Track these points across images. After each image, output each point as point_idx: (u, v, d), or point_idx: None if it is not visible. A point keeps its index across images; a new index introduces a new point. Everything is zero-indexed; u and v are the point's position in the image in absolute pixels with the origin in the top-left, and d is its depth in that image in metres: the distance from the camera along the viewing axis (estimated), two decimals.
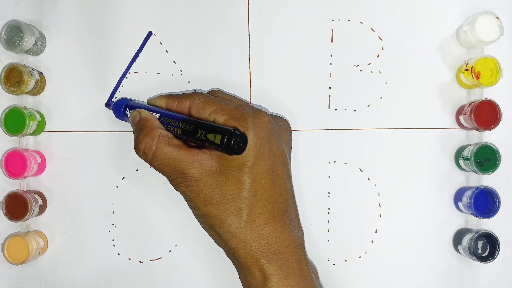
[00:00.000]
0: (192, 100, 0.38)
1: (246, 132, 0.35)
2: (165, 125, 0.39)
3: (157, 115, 0.40)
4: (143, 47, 0.44)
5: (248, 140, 0.35)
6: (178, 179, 0.37)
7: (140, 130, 0.38)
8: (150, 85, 0.44)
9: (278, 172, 0.37)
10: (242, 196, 0.36)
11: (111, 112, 0.44)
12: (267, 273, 0.35)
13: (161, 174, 0.38)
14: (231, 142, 0.34)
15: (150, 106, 0.41)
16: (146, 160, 0.38)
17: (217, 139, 0.35)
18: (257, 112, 0.37)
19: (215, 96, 0.40)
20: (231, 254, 0.37)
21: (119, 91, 0.45)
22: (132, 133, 0.44)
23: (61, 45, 0.45)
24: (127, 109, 0.42)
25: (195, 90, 0.44)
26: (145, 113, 0.40)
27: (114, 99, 0.44)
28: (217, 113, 0.37)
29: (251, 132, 0.36)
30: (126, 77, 0.44)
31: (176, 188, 0.38)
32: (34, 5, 0.45)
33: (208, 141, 0.35)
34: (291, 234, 0.37)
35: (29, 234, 0.43)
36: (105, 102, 0.44)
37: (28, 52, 0.43)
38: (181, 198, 0.44)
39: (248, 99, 0.44)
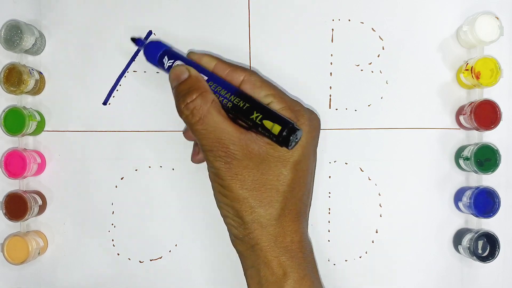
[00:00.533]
0: (249, 74, 0.37)
1: (301, 127, 0.35)
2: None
3: (205, 78, 0.37)
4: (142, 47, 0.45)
5: (301, 136, 0.35)
6: (219, 152, 0.35)
7: (192, 89, 0.36)
8: (149, 84, 0.44)
9: (313, 174, 0.38)
10: (280, 189, 0.35)
11: (110, 112, 0.44)
12: (287, 270, 0.35)
13: (198, 140, 0.36)
14: (290, 136, 0.33)
15: (195, 63, 0.38)
16: (189, 122, 0.36)
17: (275, 129, 0.34)
18: (311, 110, 0.38)
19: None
20: (250, 245, 0.36)
21: (117, 90, 0.45)
22: (131, 134, 0.45)
23: (61, 45, 0.45)
24: (166, 57, 0.39)
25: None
26: (195, 72, 0.37)
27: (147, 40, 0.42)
28: (275, 98, 0.36)
29: (306, 129, 0.36)
30: (125, 76, 0.45)
31: (212, 161, 0.36)
32: (33, 4, 0.45)
33: (262, 127, 0.34)
34: (308, 235, 0.38)
35: (29, 234, 0.44)
36: (102, 101, 0.45)
37: (27, 52, 0.44)
38: (181, 198, 0.44)
39: None
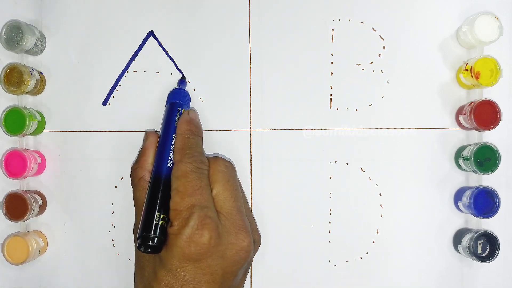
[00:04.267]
0: (182, 160, 0.39)
1: (174, 238, 0.36)
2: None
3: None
4: (142, 46, 0.45)
5: (174, 247, 0.36)
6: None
7: (137, 159, 0.41)
8: (149, 84, 0.45)
9: (201, 286, 0.37)
10: None
11: (110, 112, 0.45)
12: None
13: None
14: (140, 246, 0.37)
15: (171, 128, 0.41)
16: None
17: (140, 228, 0.37)
18: (203, 225, 0.36)
19: (215, 166, 0.40)
20: None
21: (117, 90, 0.46)
22: (131, 134, 0.46)
23: (61, 45, 0.46)
24: (171, 106, 0.43)
25: (194, 90, 0.45)
26: (148, 143, 0.42)
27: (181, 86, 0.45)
28: (175, 194, 0.38)
29: (178, 243, 0.36)
30: (125, 76, 0.46)
31: None
32: (34, 5, 0.46)
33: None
34: None
35: (29, 234, 0.44)
36: (101, 101, 0.46)
37: (28, 52, 0.44)
38: None
39: (248, 99, 0.45)
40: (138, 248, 0.37)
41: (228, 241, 0.38)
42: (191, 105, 0.45)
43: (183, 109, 0.42)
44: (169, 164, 0.39)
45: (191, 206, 0.37)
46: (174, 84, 0.45)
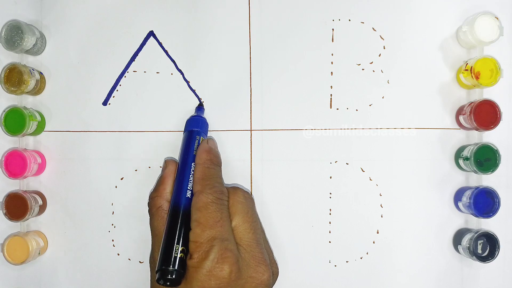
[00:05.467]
0: (204, 193, 0.39)
1: (194, 271, 0.36)
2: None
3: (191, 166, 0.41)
4: (142, 47, 0.46)
5: (194, 280, 0.36)
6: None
7: (155, 188, 0.41)
8: (149, 84, 0.46)
9: None
10: None
11: (110, 112, 0.46)
12: None
13: None
14: (159, 279, 0.36)
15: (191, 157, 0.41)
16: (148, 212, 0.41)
17: (159, 260, 0.37)
18: (223, 258, 0.36)
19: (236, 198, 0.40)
20: None
21: (117, 90, 0.46)
22: (131, 134, 0.46)
23: (61, 45, 0.46)
24: (189, 134, 0.42)
25: (195, 90, 0.46)
26: (167, 172, 0.41)
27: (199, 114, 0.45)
28: (195, 226, 0.37)
29: (199, 276, 0.36)
30: (125, 76, 0.46)
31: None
32: (34, 5, 0.46)
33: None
34: None
35: (29, 234, 0.45)
36: (101, 101, 0.46)
37: (28, 52, 0.45)
38: None
39: (248, 99, 0.45)
40: (157, 281, 0.36)
41: (248, 274, 0.37)
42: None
43: (201, 137, 0.42)
44: (188, 194, 0.39)
45: (211, 239, 0.37)
46: (173, 84, 0.46)
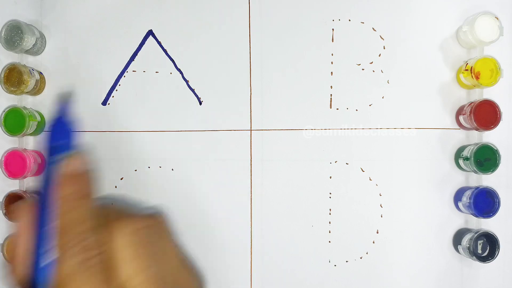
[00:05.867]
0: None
1: None
2: None
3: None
4: (141, 46, 0.46)
5: None
6: None
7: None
8: (148, 84, 0.46)
9: None
10: None
11: (110, 112, 0.46)
12: None
13: None
14: None
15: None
16: None
17: None
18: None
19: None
20: None
21: (116, 90, 0.46)
22: (131, 134, 0.46)
23: (61, 45, 0.46)
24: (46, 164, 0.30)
25: (194, 90, 0.46)
26: (22, 224, 0.29)
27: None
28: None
29: None
30: (124, 76, 0.46)
31: None
32: (34, 5, 0.46)
33: None
34: None
35: None
36: (101, 101, 0.46)
37: (28, 52, 0.45)
38: (180, 197, 0.45)
39: (248, 99, 0.45)
40: None
41: None
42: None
43: (61, 155, 0.29)
44: (45, 260, 0.27)
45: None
46: (173, 84, 0.46)
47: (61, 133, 0.30)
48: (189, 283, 0.32)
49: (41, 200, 0.28)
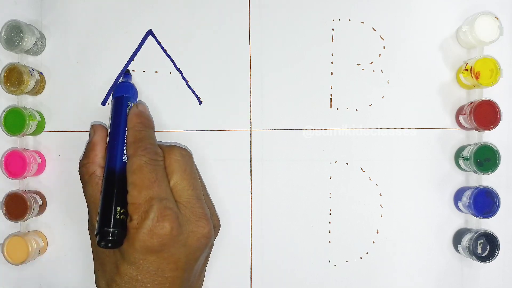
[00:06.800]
0: (139, 156, 0.39)
1: (135, 232, 0.37)
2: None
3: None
4: (141, 46, 0.46)
5: (135, 241, 0.37)
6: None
7: (85, 155, 0.41)
8: (148, 84, 0.46)
9: (165, 275, 0.38)
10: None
11: (109, 112, 0.45)
12: None
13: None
14: (100, 241, 0.37)
15: (123, 121, 0.41)
16: (81, 180, 0.41)
17: (98, 223, 0.37)
18: (163, 216, 0.37)
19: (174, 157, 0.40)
20: None
21: None
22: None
23: (61, 45, 0.46)
24: (118, 100, 0.42)
25: (193, 89, 0.46)
26: (97, 138, 0.41)
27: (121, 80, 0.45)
28: (132, 189, 0.38)
29: (140, 236, 0.37)
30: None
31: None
32: (34, 5, 0.46)
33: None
34: None
35: (29, 234, 0.45)
36: (101, 101, 0.46)
37: (28, 52, 0.45)
38: None
39: (248, 99, 0.45)
40: (98, 244, 0.37)
41: (189, 229, 0.38)
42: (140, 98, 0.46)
43: (132, 103, 0.43)
44: (124, 158, 0.39)
45: (149, 199, 0.37)
46: (172, 83, 0.46)
47: (130, 89, 0.44)
48: (215, 212, 0.43)
49: (115, 125, 0.41)
